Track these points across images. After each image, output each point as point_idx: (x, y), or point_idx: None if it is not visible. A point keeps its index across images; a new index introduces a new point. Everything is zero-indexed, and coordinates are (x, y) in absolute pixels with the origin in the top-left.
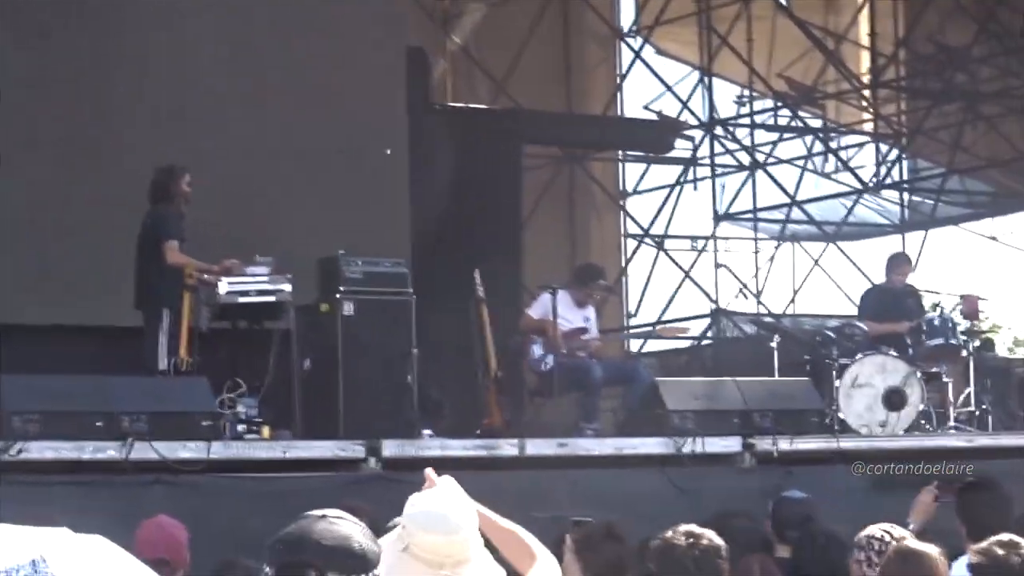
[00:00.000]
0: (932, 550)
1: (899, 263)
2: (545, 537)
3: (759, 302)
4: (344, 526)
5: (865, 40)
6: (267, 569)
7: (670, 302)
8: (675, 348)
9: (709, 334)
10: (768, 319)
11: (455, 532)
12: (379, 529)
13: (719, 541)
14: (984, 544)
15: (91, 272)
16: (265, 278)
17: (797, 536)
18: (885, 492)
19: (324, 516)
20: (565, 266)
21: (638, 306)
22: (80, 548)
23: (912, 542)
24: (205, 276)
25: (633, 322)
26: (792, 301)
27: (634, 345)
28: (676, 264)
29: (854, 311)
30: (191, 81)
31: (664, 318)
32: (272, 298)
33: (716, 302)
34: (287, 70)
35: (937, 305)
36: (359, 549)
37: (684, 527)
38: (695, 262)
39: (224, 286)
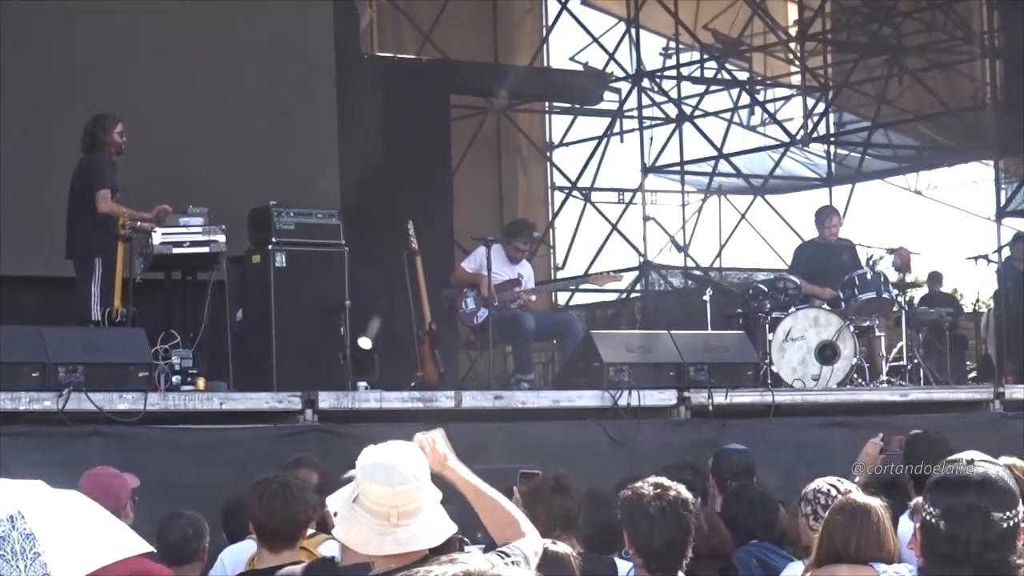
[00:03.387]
0: (875, 503)
1: (827, 215)
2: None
3: (686, 255)
4: (991, 468)
5: None
6: (932, 509)
7: (597, 254)
8: (602, 301)
9: (637, 287)
10: (698, 272)
11: (402, 484)
12: (330, 480)
13: (687, 494)
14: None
15: (24, 222)
16: (199, 229)
17: (733, 488)
18: (818, 446)
19: (972, 461)
20: (492, 218)
21: (565, 259)
22: (55, 502)
23: (856, 495)
24: (139, 224)
25: (560, 275)
26: (719, 254)
27: (562, 298)
28: (604, 216)
29: (780, 265)
30: (123, 34)
31: (592, 272)
32: (206, 249)
33: (644, 255)
34: (217, 23)
35: (870, 259)
36: (1006, 486)
37: (654, 479)
38: (622, 215)
39: (158, 236)
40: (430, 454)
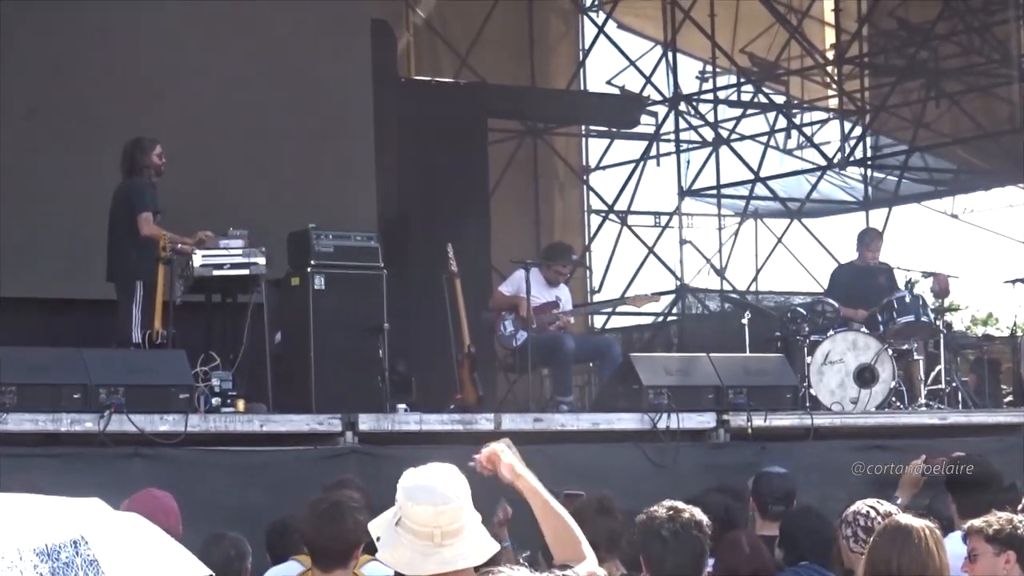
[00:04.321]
0: (922, 524)
1: (871, 239)
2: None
3: (723, 278)
4: None
5: (829, 16)
6: None
7: (634, 278)
8: (639, 324)
9: (674, 310)
10: (735, 295)
11: (444, 503)
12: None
13: (701, 516)
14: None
15: (66, 245)
16: (239, 251)
17: (784, 511)
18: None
19: None
20: (528, 241)
21: (602, 282)
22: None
23: (902, 517)
24: (179, 247)
25: (596, 298)
26: (755, 278)
27: (598, 321)
28: (640, 240)
29: (816, 288)
30: (162, 56)
31: (628, 295)
32: (246, 271)
33: (680, 278)
34: (255, 46)
35: (909, 282)
36: None
37: (669, 502)
38: (659, 238)
39: (198, 259)
40: (501, 465)
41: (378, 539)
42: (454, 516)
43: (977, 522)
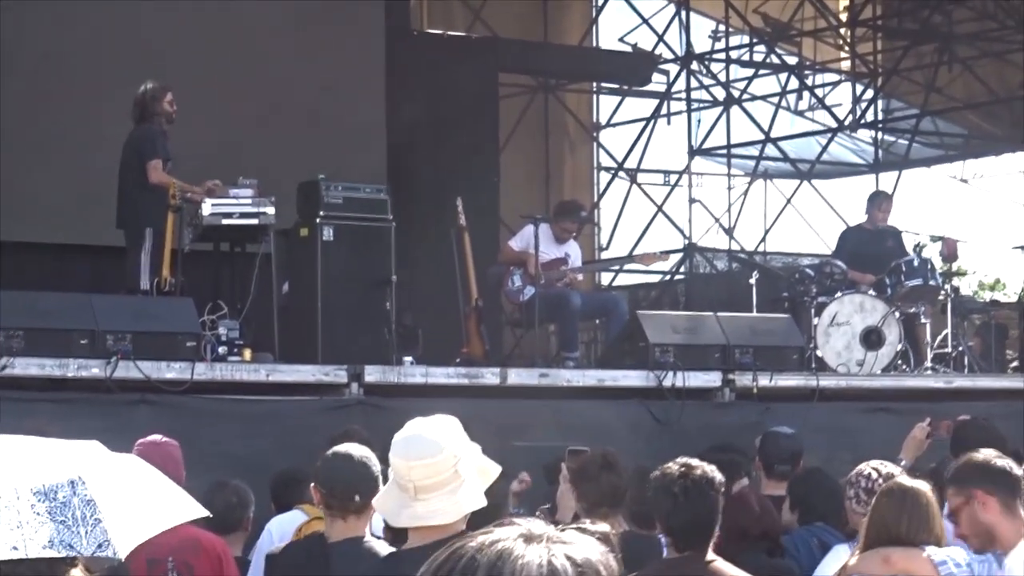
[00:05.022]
0: (923, 486)
1: (881, 201)
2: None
3: (731, 238)
4: None
5: None
6: None
7: (642, 236)
8: (646, 282)
9: (682, 269)
10: (743, 255)
11: (418, 458)
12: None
13: (713, 474)
14: None
15: (75, 192)
16: (248, 200)
17: (798, 474)
18: (861, 431)
19: None
20: (538, 197)
21: (610, 239)
22: (114, 466)
23: (903, 479)
24: (188, 196)
25: (604, 256)
26: (764, 238)
27: (605, 279)
28: (649, 198)
29: (825, 250)
30: (174, 5)
31: (637, 253)
32: (255, 221)
33: (689, 237)
34: None
35: (917, 246)
36: None
37: (683, 459)
38: (668, 196)
39: (208, 207)
40: None
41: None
42: (429, 471)
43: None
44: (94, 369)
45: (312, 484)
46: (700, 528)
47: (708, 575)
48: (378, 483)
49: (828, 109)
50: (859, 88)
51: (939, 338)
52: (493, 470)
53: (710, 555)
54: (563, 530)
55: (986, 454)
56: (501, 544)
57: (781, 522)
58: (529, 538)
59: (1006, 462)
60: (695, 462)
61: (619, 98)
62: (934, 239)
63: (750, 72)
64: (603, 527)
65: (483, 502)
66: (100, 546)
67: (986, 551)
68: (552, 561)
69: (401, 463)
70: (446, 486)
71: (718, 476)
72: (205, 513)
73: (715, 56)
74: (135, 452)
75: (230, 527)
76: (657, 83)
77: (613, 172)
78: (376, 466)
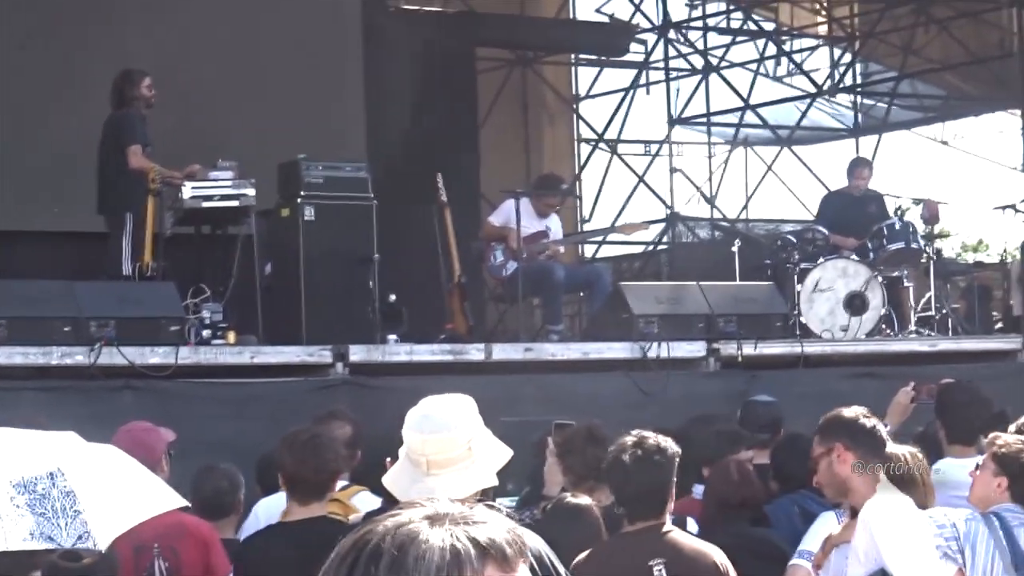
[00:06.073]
0: (906, 450)
1: (859, 167)
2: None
3: (713, 206)
4: None
5: None
6: None
7: (624, 207)
8: (629, 253)
9: (664, 239)
10: (725, 224)
11: (432, 432)
12: (363, 432)
13: (667, 444)
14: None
15: (55, 178)
16: (229, 183)
17: (776, 441)
18: (847, 397)
19: None
20: (518, 171)
21: (592, 211)
22: (92, 457)
23: (890, 445)
24: (168, 179)
25: (587, 227)
26: (746, 206)
27: (588, 251)
28: (630, 168)
29: (807, 216)
30: None
31: (618, 224)
32: (236, 203)
33: (671, 207)
34: None
35: (899, 209)
36: None
37: (639, 431)
38: (649, 166)
39: (188, 190)
40: None
41: None
42: (442, 446)
43: (999, 437)
44: (78, 356)
45: (388, 459)
46: (651, 497)
47: (664, 546)
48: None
49: (807, 74)
50: (837, 52)
51: (923, 301)
52: (505, 453)
53: (667, 525)
54: (471, 508)
55: (855, 411)
56: (405, 528)
57: (763, 491)
58: (434, 520)
59: (872, 422)
60: (648, 434)
61: (597, 69)
62: (915, 202)
63: (728, 39)
64: (585, 499)
65: (495, 481)
66: (80, 537)
67: (839, 502)
68: (455, 545)
69: (415, 436)
70: (459, 462)
71: (672, 446)
72: (183, 503)
73: (692, 24)
74: (117, 439)
75: (222, 511)
76: (635, 53)
77: (593, 144)
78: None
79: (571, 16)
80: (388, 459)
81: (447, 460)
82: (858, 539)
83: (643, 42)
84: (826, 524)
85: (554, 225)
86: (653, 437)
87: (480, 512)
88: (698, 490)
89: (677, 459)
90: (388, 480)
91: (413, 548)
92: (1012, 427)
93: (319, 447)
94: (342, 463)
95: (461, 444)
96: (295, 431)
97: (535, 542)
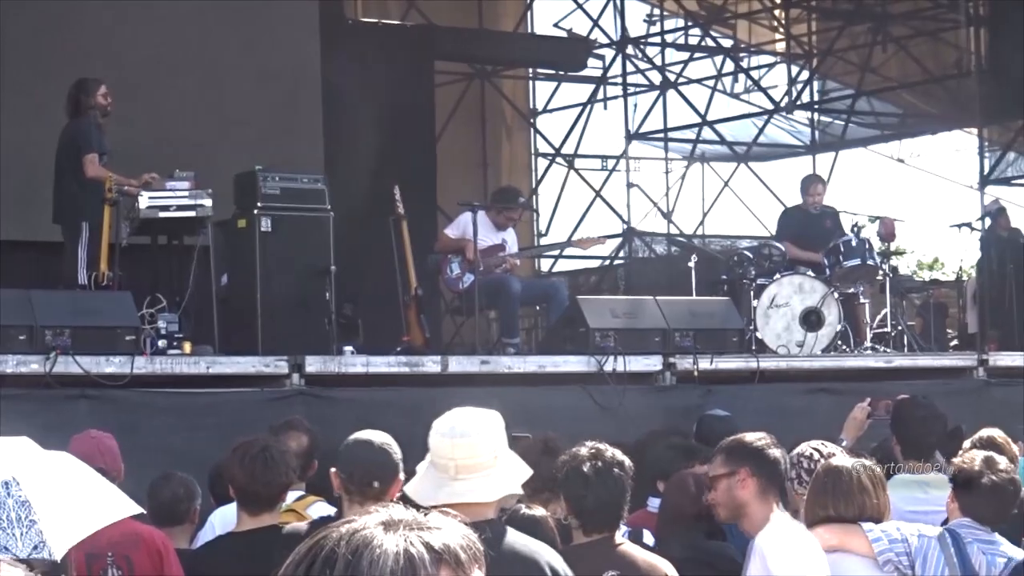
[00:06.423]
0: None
1: (811, 183)
2: None
3: (670, 222)
4: None
5: None
6: None
7: (581, 221)
8: (586, 268)
9: (621, 254)
10: (682, 239)
11: (460, 436)
12: (319, 443)
13: (622, 457)
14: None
15: (12, 187)
16: (185, 193)
17: None
18: (802, 412)
19: None
20: (476, 184)
21: (548, 225)
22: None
23: (840, 459)
24: (125, 189)
25: (544, 241)
26: (702, 221)
27: (545, 265)
28: (587, 183)
29: (763, 232)
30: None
31: (575, 238)
32: (192, 213)
33: (627, 222)
34: None
35: (855, 226)
36: None
37: (591, 443)
38: (606, 181)
39: (144, 200)
40: None
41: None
42: (471, 451)
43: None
44: (33, 365)
45: (332, 469)
46: (610, 511)
47: (617, 558)
48: (398, 470)
49: (764, 91)
50: (794, 69)
51: (878, 318)
52: (526, 471)
53: (618, 538)
54: (426, 514)
55: (764, 440)
56: (360, 534)
57: None
58: (388, 525)
59: (778, 452)
60: (603, 446)
61: (555, 84)
62: (872, 219)
63: (685, 55)
64: (539, 511)
65: (518, 489)
66: (36, 547)
67: (733, 524)
68: (408, 550)
69: (444, 441)
70: (486, 468)
71: (627, 459)
72: (139, 510)
73: (650, 40)
74: (71, 448)
75: (177, 518)
76: (593, 68)
77: (551, 158)
78: (398, 453)
79: (529, 30)
80: (333, 469)
81: (475, 465)
82: (753, 568)
83: (601, 57)
84: None
85: (510, 238)
86: (609, 449)
87: (435, 518)
88: (653, 503)
89: (632, 472)
90: (411, 489)
91: (367, 552)
92: (967, 443)
93: (268, 461)
94: (292, 476)
95: (488, 451)
96: (245, 442)
97: (549, 555)
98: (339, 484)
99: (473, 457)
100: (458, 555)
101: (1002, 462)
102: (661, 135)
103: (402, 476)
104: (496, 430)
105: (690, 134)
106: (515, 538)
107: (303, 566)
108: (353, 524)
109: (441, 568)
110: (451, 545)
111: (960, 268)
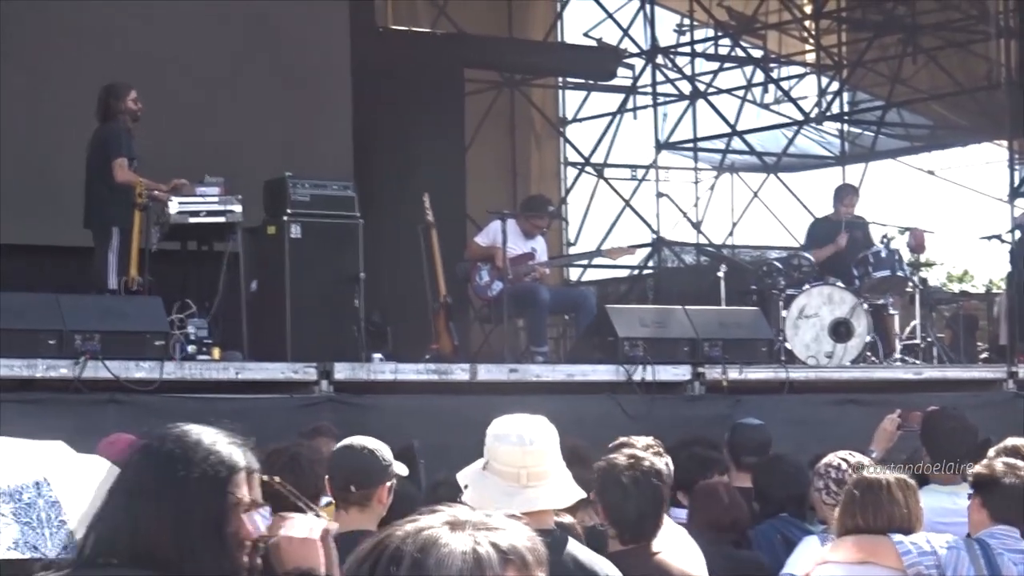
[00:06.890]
0: (891, 475)
1: (845, 194)
2: None
3: (699, 232)
4: None
5: None
6: None
7: (610, 231)
8: (614, 277)
9: (650, 263)
10: (711, 249)
11: (530, 443)
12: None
13: (660, 465)
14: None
15: (43, 192)
16: (215, 199)
17: (757, 462)
18: (831, 423)
19: None
20: (505, 193)
21: (577, 235)
22: (79, 467)
23: (873, 471)
24: (155, 194)
25: (572, 251)
26: (731, 232)
27: (574, 274)
28: (616, 193)
29: (792, 243)
30: (139, 2)
31: (604, 247)
32: (222, 219)
33: (656, 231)
34: None
35: (885, 237)
36: None
37: (628, 450)
38: (635, 191)
39: (175, 206)
40: None
41: (465, 487)
42: (540, 458)
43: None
44: (62, 369)
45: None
46: (648, 520)
47: (654, 567)
48: (384, 475)
49: (794, 102)
50: (824, 80)
51: (908, 329)
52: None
53: (655, 547)
54: (490, 516)
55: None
56: (426, 532)
57: (748, 514)
58: (455, 525)
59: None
60: (641, 453)
61: (585, 93)
62: (901, 230)
63: (715, 66)
64: (567, 518)
65: (582, 493)
66: (65, 548)
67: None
68: (476, 549)
69: (515, 450)
70: (552, 475)
71: (665, 468)
72: None
73: (680, 50)
74: (98, 452)
75: None
76: (623, 77)
77: (580, 167)
78: (385, 459)
79: (559, 39)
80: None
81: (545, 472)
82: None
83: (631, 67)
84: (809, 548)
85: (539, 246)
86: (647, 458)
87: (500, 519)
88: (676, 513)
89: (670, 481)
90: (478, 499)
91: (435, 551)
92: (991, 451)
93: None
94: (321, 483)
95: (555, 458)
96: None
97: (608, 569)
98: (329, 489)
99: (542, 464)
100: (524, 556)
101: (1022, 465)
102: (691, 145)
103: (390, 482)
104: (556, 437)
105: (720, 144)
106: (575, 548)
107: (368, 563)
108: (418, 523)
109: (508, 568)
110: (518, 546)
111: (990, 281)
